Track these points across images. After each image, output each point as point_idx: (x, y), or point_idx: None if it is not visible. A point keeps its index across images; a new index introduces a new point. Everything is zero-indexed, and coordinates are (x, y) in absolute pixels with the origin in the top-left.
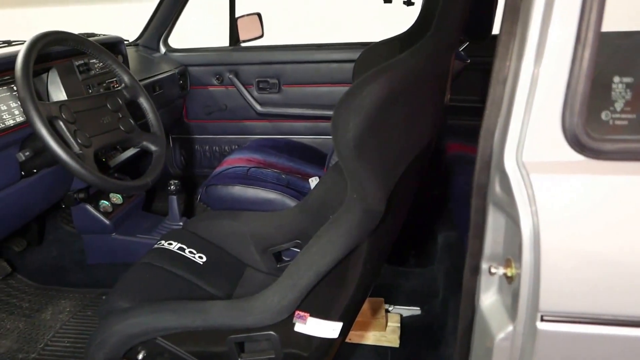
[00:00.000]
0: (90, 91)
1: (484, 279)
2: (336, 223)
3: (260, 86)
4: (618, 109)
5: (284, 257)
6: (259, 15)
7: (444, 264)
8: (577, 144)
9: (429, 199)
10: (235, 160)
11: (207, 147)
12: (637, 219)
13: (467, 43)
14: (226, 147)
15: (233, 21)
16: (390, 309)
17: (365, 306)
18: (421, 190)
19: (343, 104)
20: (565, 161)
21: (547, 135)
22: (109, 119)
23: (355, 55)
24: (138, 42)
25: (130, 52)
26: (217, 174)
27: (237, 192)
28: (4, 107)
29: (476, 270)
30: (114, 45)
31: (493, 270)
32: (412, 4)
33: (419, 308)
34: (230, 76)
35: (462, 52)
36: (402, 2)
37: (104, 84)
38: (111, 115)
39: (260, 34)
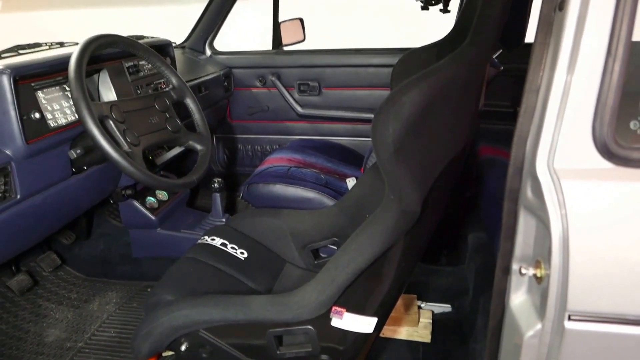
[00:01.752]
0: (139, 92)
1: (514, 279)
2: (374, 222)
3: (302, 89)
4: None
5: (321, 254)
6: (301, 20)
7: (474, 264)
8: (606, 152)
9: (461, 200)
10: (277, 160)
11: (249, 147)
12: None
13: (501, 50)
14: (267, 147)
15: (276, 25)
16: (422, 305)
17: (399, 302)
18: (454, 192)
19: (383, 110)
20: (595, 168)
21: (577, 143)
22: (157, 119)
23: (392, 60)
24: (185, 44)
25: (178, 54)
26: (259, 172)
27: (277, 190)
28: (57, 107)
29: (507, 271)
30: (162, 48)
31: (523, 271)
32: (449, 11)
33: (449, 305)
34: (273, 78)
35: (496, 59)
36: (438, 10)
37: (152, 85)
38: (159, 116)
39: (302, 38)
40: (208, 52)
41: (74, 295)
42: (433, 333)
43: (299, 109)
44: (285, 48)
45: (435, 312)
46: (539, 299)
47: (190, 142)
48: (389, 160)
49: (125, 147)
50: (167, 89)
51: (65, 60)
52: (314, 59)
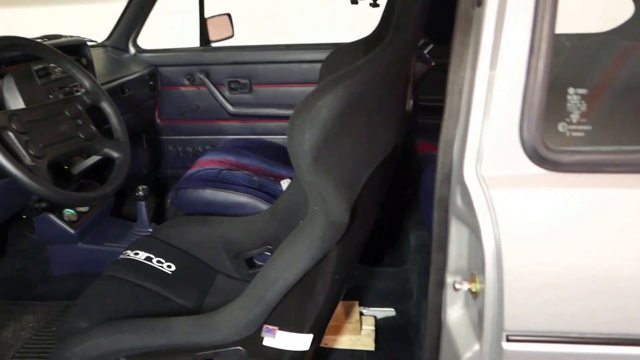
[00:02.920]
0: (51, 96)
1: (449, 293)
2: (300, 235)
3: (232, 86)
4: (574, 121)
5: (256, 262)
6: (229, 15)
7: (417, 264)
8: (535, 156)
9: (400, 198)
10: (208, 162)
11: (180, 148)
12: (598, 232)
13: (432, 45)
14: (200, 148)
15: (203, 21)
16: (364, 311)
17: (339, 309)
18: (393, 190)
19: (298, 115)
20: (525, 174)
21: (505, 147)
22: (66, 126)
23: (325, 55)
24: (106, 43)
25: (99, 53)
26: (189, 176)
27: (207, 195)
28: None
29: (441, 285)
30: (76, 48)
31: (457, 286)
32: (377, 5)
33: (393, 309)
34: (201, 76)
35: (427, 55)
36: (368, 4)
37: (67, 88)
38: (69, 123)
39: (230, 33)
40: (132, 50)
41: None
42: (377, 340)
43: (230, 107)
44: (214, 44)
45: (379, 317)
46: (476, 316)
47: (106, 150)
48: (307, 170)
49: (28, 160)
50: (79, 93)
51: None
52: (244, 55)
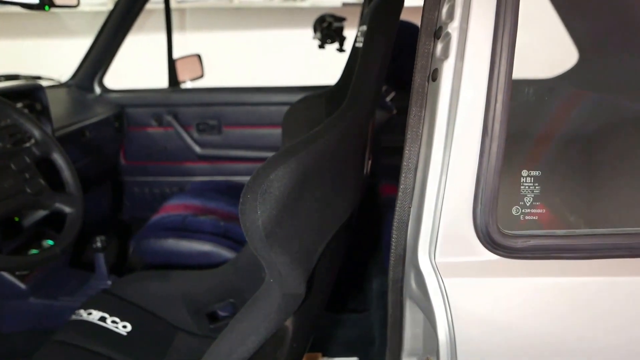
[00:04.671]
0: None
1: None
2: (255, 307)
3: (200, 128)
4: (528, 204)
5: (220, 314)
6: (198, 56)
7: (379, 311)
8: (489, 242)
9: (363, 243)
10: (173, 207)
11: (147, 190)
12: (550, 321)
13: (394, 93)
14: (167, 189)
15: (171, 62)
16: None
17: None
18: (355, 234)
19: (250, 189)
20: (479, 261)
21: (459, 232)
22: (12, 181)
23: (293, 98)
24: (70, 82)
25: (61, 93)
26: (151, 224)
27: (169, 245)
28: None
29: None
30: (30, 93)
31: None
32: (344, 51)
33: (357, 358)
34: (169, 118)
35: (389, 102)
36: (335, 49)
37: (19, 135)
38: (15, 178)
39: (200, 74)
40: (97, 90)
41: None
42: None
43: (197, 149)
44: (183, 86)
45: None
46: None
47: (57, 205)
48: (261, 245)
49: None
50: (28, 144)
51: None
52: (213, 96)
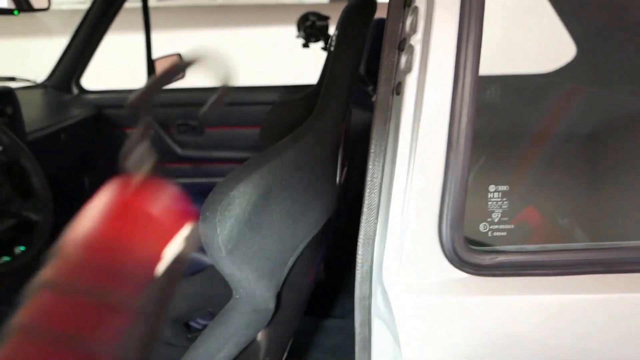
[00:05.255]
0: None
1: None
2: (223, 322)
3: (181, 129)
4: (495, 220)
5: (199, 321)
6: (179, 55)
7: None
8: (456, 259)
9: (349, 247)
10: None
11: None
12: (518, 341)
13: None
14: None
15: (150, 62)
16: None
17: None
18: (341, 239)
19: (209, 206)
20: (446, 279)
21: (425, 249)
22: None
23: (277, 97)
24: (47, 83)
25: (36, 95)
26: None
27: None
28: None
29: None
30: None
31: None
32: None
33: None
34: (149, 119)
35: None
36: (320, 48)
37: None
38: None
39: (182, 75)
40: (75, 91)
41: None
42: None
43: (178, 150)
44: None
45: None
46: None
47: (25, 213)
48: (223, 263)
49: None
50: None
51: None
52: (194, 96)
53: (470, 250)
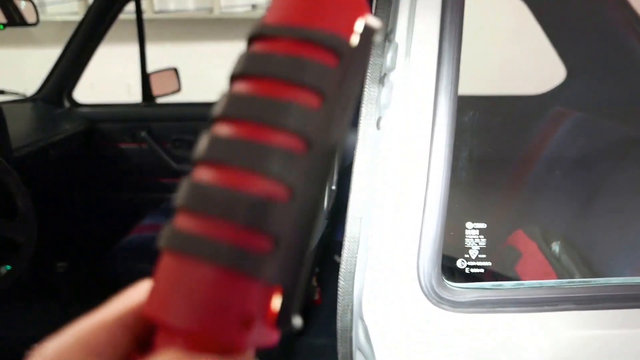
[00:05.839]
0: None
1: None
2: None
3: (176, 144)
4: (473, 256)
5: None
6: (175, 70)
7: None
8: (433, 295)
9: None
10: (147, 228)
11: (119, 207)
12: None
13: None
14: (141, 206)
15: (145, 75)
16: None
17: None
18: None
19: None
20: (424, 315)
21: (403, 284)
22: None
23: None
24: (37, 96)
25: (25, 109)
26: (124, 245)
27: (144, 270)
28: None
29: None
30: None
31: None
32: None
33: None
34: (143, 134)
35: None
36: None
37: None
38: None
39: (177, 88)
40: (66, 104)
41: None
42: None
43: (174, 165)
44: (158, 100)
45: None
46: None
47: (9, 234)
48: None
49: None
50: None
51: None
52: (189, 111)
53: (446, 287)
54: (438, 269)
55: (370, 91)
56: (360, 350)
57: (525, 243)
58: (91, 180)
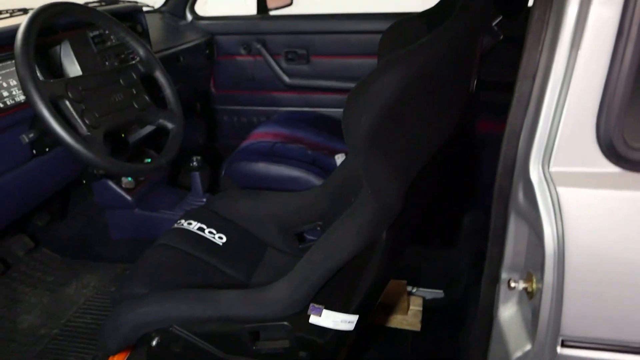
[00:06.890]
0: (107, 63)
1: (503, 289)
2: (351, 218)
3: (289, 57)
4: None
5: (307, 237)
6: None
7: (468, 249)
8: (612, 153)
9: (458, 178)
10: (262, 135)
11: (235, 118)
12: None
13: (501, 17)
14: (255, 119)
15: None
16: (413, 290)
17: (388, 288)
18: (449, 172)
19: (354, 97)
20: (598, 172)
21: (578, 141)
22: (122, 96)
23: (386, 25)
24: (163, 8)
25: (155, 19)
26: (243, 149)
27: (260, 169)
28: (5, 85)
29: (495, 280)
30: (131, 15)
31: (512, 284)
32: None
33: (442, 291)
34: (258, 46)
35: (495, 27)
36: None
37: (123, 55)
38: (124, 92)
39: (289, 1)
40: (189, 17)
41: (49, 278)
42: (424, 321)
43: (286, 79)
44: (272, 13)
45: (427, 298)
46: (530, 315)
47: (161, 121)
48: (363, 153)
49: (84, 130)
50: (134, 61)
51: (12, 33)
52: (301, 24)
53: (629, 145)
54: (621, 126)
55: None
56: (516, 211)
57: None
58: (209, 91)
